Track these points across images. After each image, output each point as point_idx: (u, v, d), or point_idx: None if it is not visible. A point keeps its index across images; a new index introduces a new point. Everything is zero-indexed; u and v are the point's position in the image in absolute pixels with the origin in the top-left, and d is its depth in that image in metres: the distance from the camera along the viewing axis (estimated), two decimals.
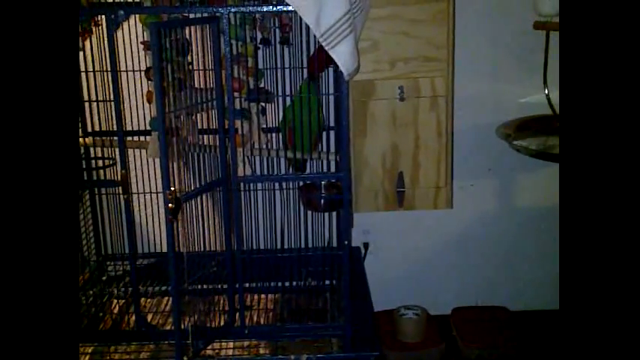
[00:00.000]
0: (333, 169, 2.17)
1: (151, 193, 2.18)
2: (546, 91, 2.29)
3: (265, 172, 2.21)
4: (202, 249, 1.85)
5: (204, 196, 1.84)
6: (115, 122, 1.86)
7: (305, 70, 2.09)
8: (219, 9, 1.73)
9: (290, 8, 1.68)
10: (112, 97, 1.86)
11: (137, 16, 1.98)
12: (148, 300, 2.22)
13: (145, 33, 2.02)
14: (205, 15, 1.76)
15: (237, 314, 1.93)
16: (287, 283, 2.19)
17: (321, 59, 1.91)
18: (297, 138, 2.04)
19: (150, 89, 2.07)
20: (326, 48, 1.68)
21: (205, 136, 1.90)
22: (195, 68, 1.91)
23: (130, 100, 2.07)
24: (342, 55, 1.70)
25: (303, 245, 2.15)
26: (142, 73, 2.08)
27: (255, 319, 2.07)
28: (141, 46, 2.04)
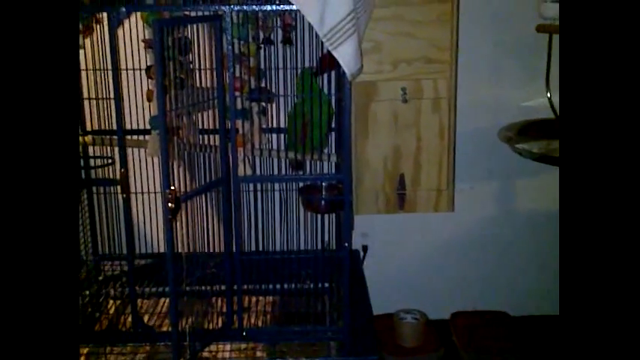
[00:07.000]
0: (333, 170, 2.16)
1: (149, 192, 2.16)
2: (548, 95, 2.27)
3: (265, 173, 2.20)
4: (201, 250, 1.83)
5: (203, 196, 1.82)
6: (114, 121, 1.85)
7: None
8: (222, 7, 1.71)
9: (293, 7, 1.66)
10: (111, 95, 1.85)
11: (139, 13, 1.97)
12: (145, 301, 2.20)
13: (146, 31, 2.00)
14: (208, 13, 1.74)
15: (235, 316, 1.92)
16: (286, 286, 2.18)
17: (332, 60, 1.89)
18: (315, 130, 2.00)
19: (150, 88, 2.05)
20: (329, 48, 1.66)
21: (205, 136, 1.88)
22: (196, 67, 1.89)
23: (129, 99, 2.05)
24: (345, 55, 1.68)
25: (302, 247, 2.13)
26: (142, 72, 2.06)
27: (253, 321, 2.06)
28: (142, 45, 2.03)
